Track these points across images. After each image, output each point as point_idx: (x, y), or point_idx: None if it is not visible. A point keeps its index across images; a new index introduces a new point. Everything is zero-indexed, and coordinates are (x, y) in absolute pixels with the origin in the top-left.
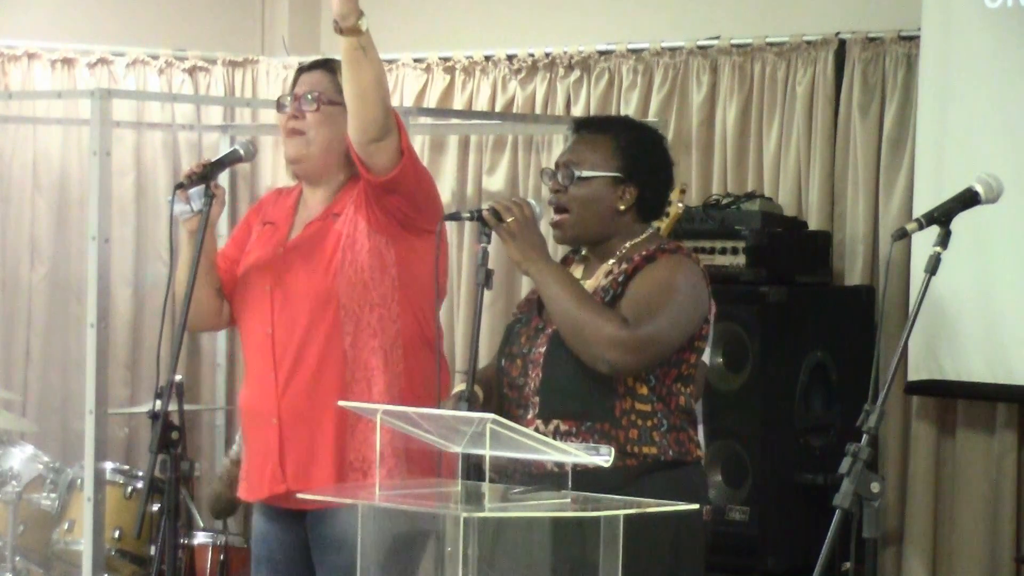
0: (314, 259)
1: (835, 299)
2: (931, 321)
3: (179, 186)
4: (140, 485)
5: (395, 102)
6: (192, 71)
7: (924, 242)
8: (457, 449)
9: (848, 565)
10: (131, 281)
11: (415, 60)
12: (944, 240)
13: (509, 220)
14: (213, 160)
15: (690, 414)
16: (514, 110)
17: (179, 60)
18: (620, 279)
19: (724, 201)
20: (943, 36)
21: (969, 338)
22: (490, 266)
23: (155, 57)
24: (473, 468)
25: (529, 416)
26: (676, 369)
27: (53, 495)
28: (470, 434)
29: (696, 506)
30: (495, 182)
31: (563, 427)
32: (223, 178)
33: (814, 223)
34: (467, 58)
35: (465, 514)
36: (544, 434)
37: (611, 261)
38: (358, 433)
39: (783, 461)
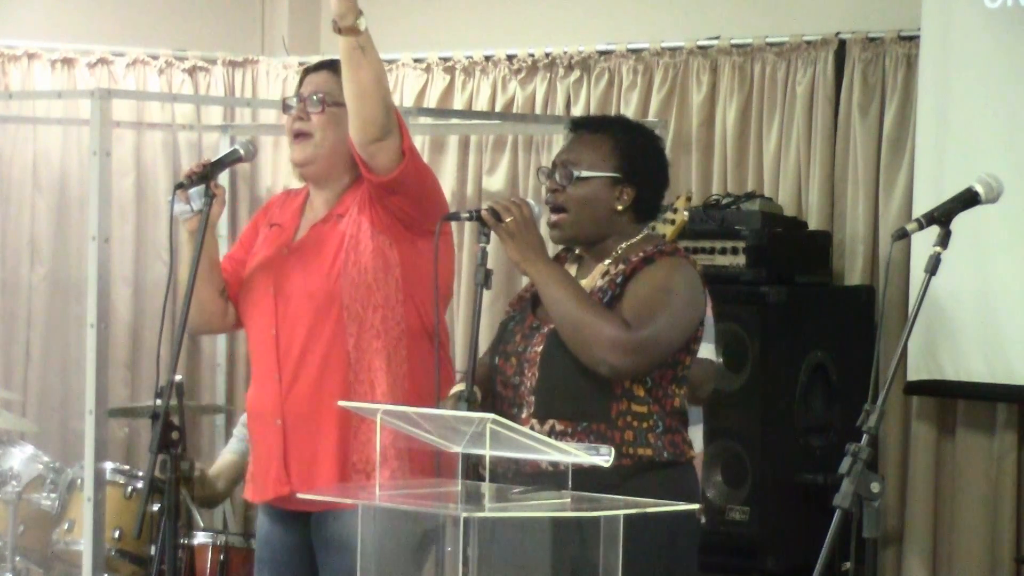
0: (317, 261)
1: (835, 299)
2: (931, 321)
3: (179, 186)
4: (140, 485)
5: (395, 102)
6: (192, 71)
7: (924, 242)
8: (457, 449)
9: (848, 565)
10: (131, 281)
11: (415, 60)
12: (944, 240)
13: (508, 220)
14: (213, 160)
15: (683, 415)
16: (514, 110)
17: (179, 60)
18: (618, 280)
19: (724, 201)
20: (943, 36)
21: (969, 338)
22: (489, 266)
23: (155, 57)
24: (471, 468)
25: (524, 415)
26: (672, 370)
27: (53, 495)
28: (470, 434)
29: (696, 506)
30: (495, 182)
31: (559, 427)
32: (223, 178)
33: (814, 223)
34: (467, 58)
35: (465, 514)
36: (539, 434)
37: (607, 261)
38: (361, 435)
39: (783, 461)
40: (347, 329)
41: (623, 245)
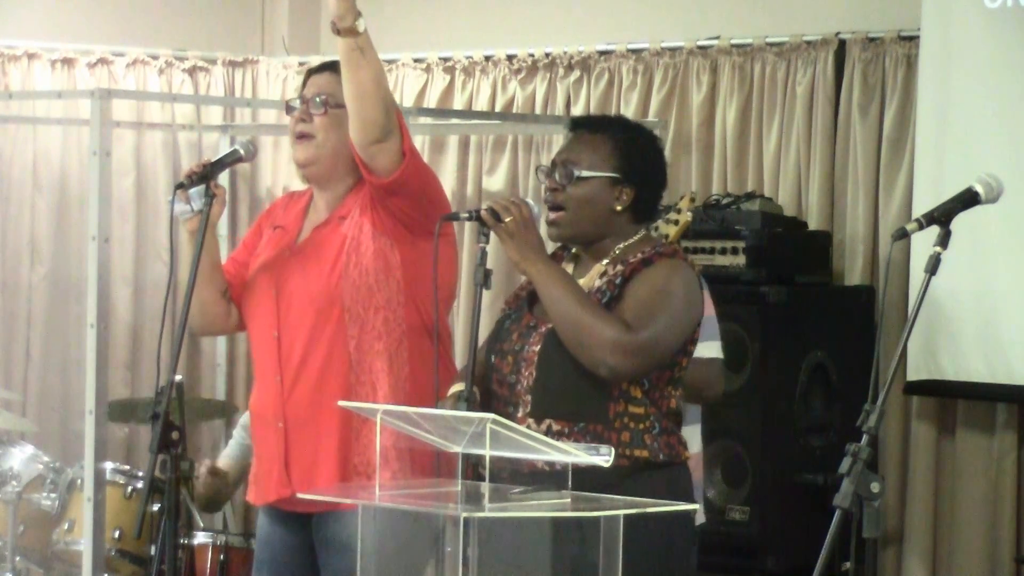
0: (319, 262)
1: (835, 299)
2: (931, 321)
3: (179, 186)
4: (140, 485)
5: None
6: (192, 71)
7: (924, 242)
8: (457, 449)
9: (848, 565)
10: (131, 281)
11: (415, 60)
12: (944, 240)
13: (507, 220)
14: (213, 160)
15: (679, 416)
16: (514, 110)
17: (179, 60)
18: (617, 281)
19: (724, 201)
20: (943, 36)
21: (969, 338)
22: (489, 266)
23: (155, 57)
24: (471, 468)
25: (520, 414)
26: (670, 372)
27: (53, 495)
28: (470, 434)
29: (696, 506)
30: (495, 182)
31: (556, 427)
32: (223, 178)
33: (814, 223)
34: (467, 58)
35: (465, 514)
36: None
37: (605, 262)
38: (362, 437)
39: (783, 461)
40: (348, 331)
41: (621, 245)
